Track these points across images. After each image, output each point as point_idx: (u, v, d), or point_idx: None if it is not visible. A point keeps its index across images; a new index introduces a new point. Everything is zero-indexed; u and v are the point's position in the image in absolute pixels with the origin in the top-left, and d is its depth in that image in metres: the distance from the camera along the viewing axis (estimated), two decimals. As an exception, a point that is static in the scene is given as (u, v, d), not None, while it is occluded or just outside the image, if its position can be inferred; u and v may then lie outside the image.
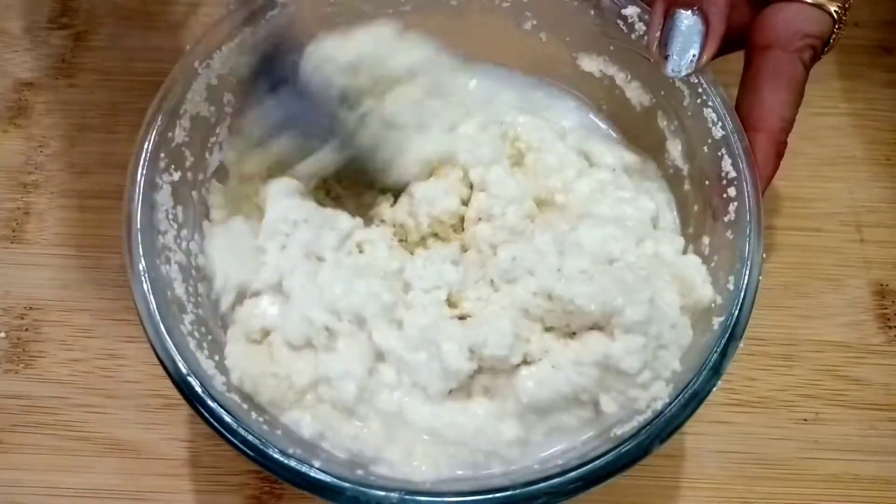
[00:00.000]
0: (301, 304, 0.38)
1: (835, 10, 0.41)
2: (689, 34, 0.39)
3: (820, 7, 0.41)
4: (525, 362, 0.37)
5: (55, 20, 0.58)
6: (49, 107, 0.55)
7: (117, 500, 0.44)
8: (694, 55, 0.40)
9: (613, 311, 0.36)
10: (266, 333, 0.39)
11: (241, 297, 0.40)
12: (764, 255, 0.37)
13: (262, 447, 0.33)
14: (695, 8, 0.39)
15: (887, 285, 0.51)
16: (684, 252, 0.41)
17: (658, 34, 0.40)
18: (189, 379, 0.34)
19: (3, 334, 0.48)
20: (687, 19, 0.39)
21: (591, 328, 0.37)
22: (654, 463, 0.45)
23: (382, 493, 0.33)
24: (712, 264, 0.39)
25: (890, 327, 0.50)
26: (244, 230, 0.41)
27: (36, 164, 0.53)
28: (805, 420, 0.47)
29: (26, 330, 0.48)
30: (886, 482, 0.46)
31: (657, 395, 0.36)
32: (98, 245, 0.50)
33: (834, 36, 0.42)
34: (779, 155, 0.40)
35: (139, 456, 0.45)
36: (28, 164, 0.53)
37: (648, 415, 0.35)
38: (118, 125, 0.54)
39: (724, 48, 0.41)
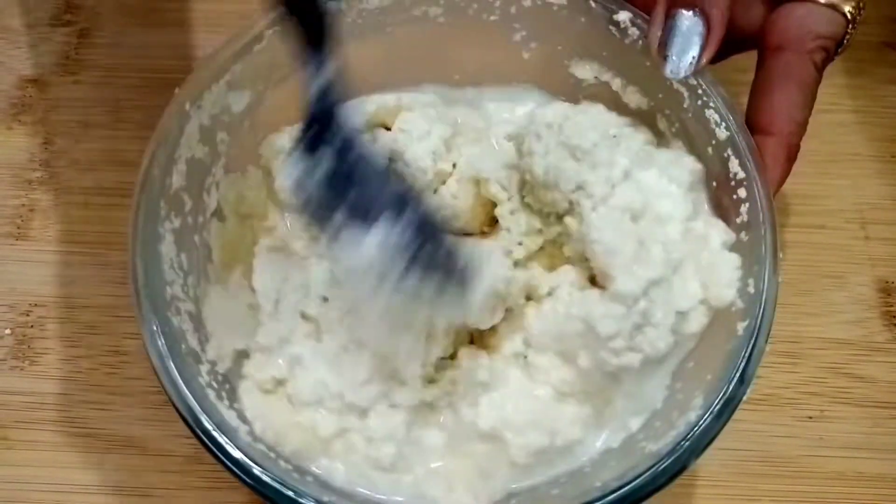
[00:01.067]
0: (314, 370, 0.38)
1: (849, 11, 0.40)
2: (689, 35, 0.39)
3: (833, 7, 0.40)
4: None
5: (58, 17, 0.58)
6: (53, 104, 0.55)
7: (122, 496, 0.44)
8: (693, 57, 0.39)
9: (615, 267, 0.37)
10: (280, 383, 0.39)
11: (242, 355, 0.39)
12: (781, 256, 0.36)
13: (295, 497, 0.33)
14: (696, 9, 0.39)
15: (892, 282, 0.51)
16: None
17: (659, 34, 0.40)
18: (215, 434, 0.33)
19: (8, 331, 0.48)
20: (687, 20, 0.39)
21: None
22: (659, 460, 0.45)
23: None
24: None
25: (895, 325, 0.50)
26: (242, 287, 0.41)
27: (40, 161, 0.53)
28: (809, 418, 0.47)
29: (31, 327, 0.48)
30: (891, 480, 0.46)
31: (629, 364, 0.36)
32: (103, 242, 0.50)
33: (847, 37, 0.41)
34: (790, 159, 0.39)
35: (144, 452, 0.45)
36: (32, 160, 0.53)
37: (682, 428, 0.34)
38: (122, 122, 0.54)
39: (740, 47, 0.41)
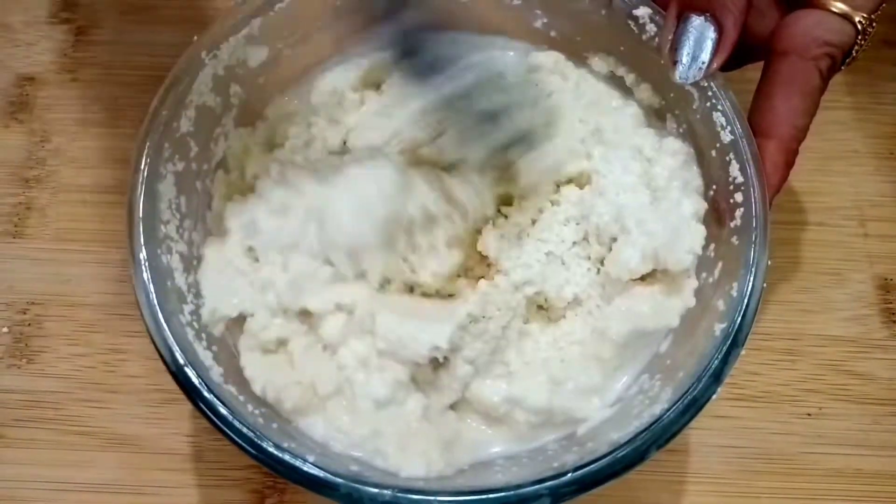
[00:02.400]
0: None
1: (859, 21, 0.40)
2: (700, 40, 0.39)
3: (844, 17, 0.40)
4: None
5: (56, 15, 0.58)
6: (50, 101, 0.55)
7: (120, 494, 0.44)
8: (703, 62, 0.39)
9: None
10: (282, 343, 0.39)
11: (240, 320, 0.40)
12: (769, 263, 0.36)
13: (256, 440, 0.33)
14: (707, 14, 0.38)
15: (891, 280, 0.51)
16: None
17: (670, 38, 0.39)
18: (186, 370, 0.34)
19: (5, 329, 0.48)
20: (699, 25, 0.38)
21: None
22: (659, 457, 0.44)
23: (376, 490, 0.33)
24: (717, 270, 0.38)
25: (894, 322, 0.50)
26: (237, 251, 0.41)
27: (38, 159, 0.53)
28: (808, 415, 0.47)
29: (29, 325, 0.48)
30: (889, 477, 0.46)
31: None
32: (100, 240, 0.50)
33: (857, 48, 0.40)
34: (788, 164, 0.39)
35: (142, 450, 0.45)
36: (30, 159, 0.53)
37: (646, 419, 0.35)
38: (120, 120, 0.54)
39: (753, 56, 0.40)
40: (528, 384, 0.39)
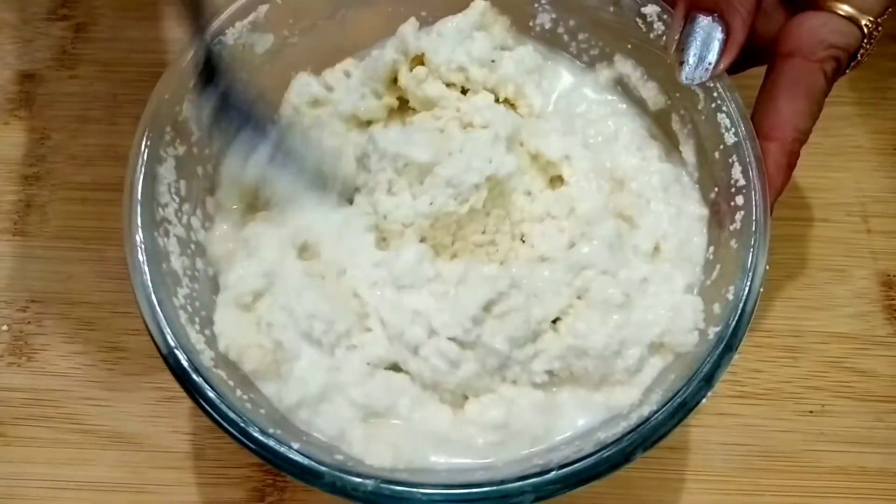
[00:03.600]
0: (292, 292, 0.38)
1: (865, 24, 0.39)
2: (707, 41, 0.38)
3: (850, 19, 0.39)
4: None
5: (55, 11, 0.58)
6: (50, 98, 0.55)
7: (120, 492, 0.44)
8: (710, 63, 0.38)
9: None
10: (258, 296, 0.39)
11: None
12: (767, 268, 0.36)
13: (242, 424, 0.33)
14: (715, 14, 0.38)
15: (894, 276, 0.50)
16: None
17: (677, 38, 0.39)
18: (176, 352, 0.34)
19: (5, 327, 0.48)
20: (706, 25, 0.38)
21: None
22: (659, 455, 0.45)
23: (359, 480, 0.33)
24: (714, 273, 0.38)
25: (897, 318, 0.49)
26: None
27: (37, 157, 0.53)
28: (811, 412, 0.47)
29: (28, 323, 0.48)
30: (893, 474, 0.45)
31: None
32: (100, 237, 0.50)
33: (862, 51, 0.40)
34: (790, 165, 0.39)
35: (142, 449, 0.45)
36: (29, 156, 0.53)
37: (634, 420, 0.34)
38: (119, 117, 0.54)
39: (759, 58, 0.40)
40: (482, 401, 0.38)
